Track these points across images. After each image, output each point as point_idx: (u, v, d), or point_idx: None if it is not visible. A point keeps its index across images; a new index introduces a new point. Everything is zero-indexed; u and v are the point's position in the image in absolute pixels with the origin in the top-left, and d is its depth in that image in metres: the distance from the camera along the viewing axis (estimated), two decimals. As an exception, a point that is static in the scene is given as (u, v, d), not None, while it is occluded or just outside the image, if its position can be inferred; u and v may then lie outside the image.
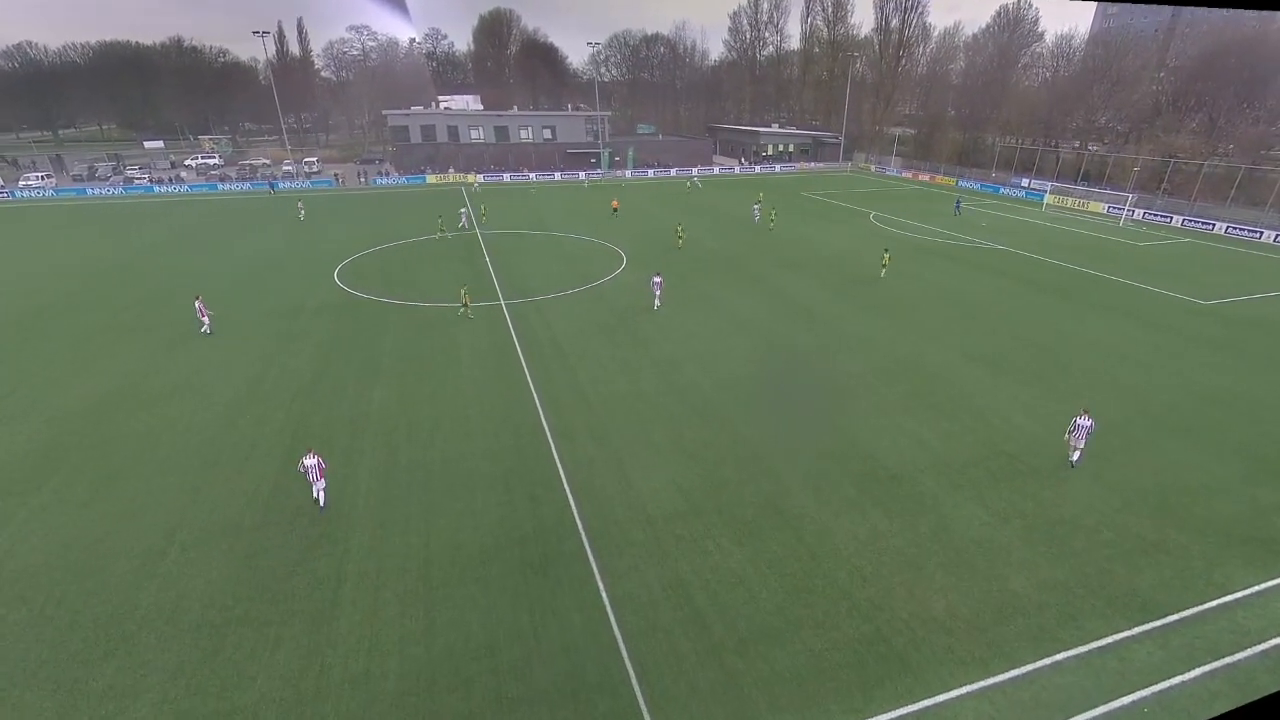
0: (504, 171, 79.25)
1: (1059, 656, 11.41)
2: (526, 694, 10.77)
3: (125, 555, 13.81)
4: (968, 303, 31.11)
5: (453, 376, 22.66)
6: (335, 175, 75.26)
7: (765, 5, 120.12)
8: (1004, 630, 11.98)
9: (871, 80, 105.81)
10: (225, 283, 33.28)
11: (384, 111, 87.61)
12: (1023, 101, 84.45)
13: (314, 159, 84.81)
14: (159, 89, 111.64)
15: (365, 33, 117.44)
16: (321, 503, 15.27)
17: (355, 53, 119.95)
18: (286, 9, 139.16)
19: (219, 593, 12.81)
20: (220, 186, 69.86)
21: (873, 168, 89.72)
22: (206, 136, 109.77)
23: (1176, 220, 51.99)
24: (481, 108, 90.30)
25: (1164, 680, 10.97)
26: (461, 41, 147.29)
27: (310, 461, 14.99)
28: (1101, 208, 56.91)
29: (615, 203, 55.75)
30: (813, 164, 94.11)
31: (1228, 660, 11.37)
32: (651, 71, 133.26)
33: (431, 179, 75.69)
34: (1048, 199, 61.26)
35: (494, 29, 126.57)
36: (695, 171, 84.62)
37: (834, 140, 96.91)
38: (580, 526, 14.79)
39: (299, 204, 54.64)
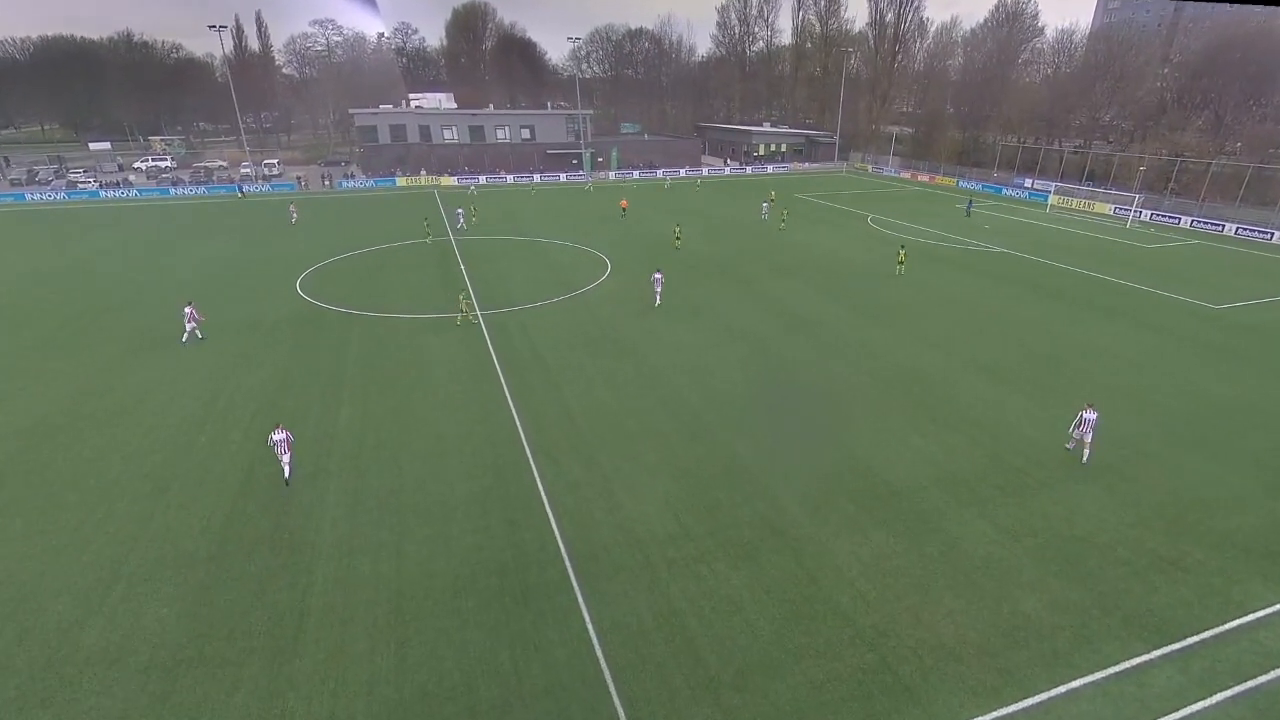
0: (478, 174, 79.29)
1: (1075, 683, 11.44)
2: (507, 736, 10.59)
3: (66, 592, 13.45)
4: (971, 308, 31.52)
5: (426, 393, 22.49)
6: (298, 178, 74.94)
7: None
8: (1016, 656, 12.01)
9: (867, 77, 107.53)
10: (178, 294, 32.78)
11: (350, 111, 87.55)
12: (1024, 99, 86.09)
13: (275, 160, 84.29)
14: (106, 87, 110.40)
15: (330, 27, 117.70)
16: (287, 474, 16.83)
17: (319, 48, 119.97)
18: (244, 2, 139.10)
19: (170, 631, 12.50)
20: (173, 191, 69.18)
21: (869, 168, 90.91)
22: (158, 137, 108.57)
23: (1185, 221, 53.24)
24: (455, 106, 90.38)
25: (1186, 706, 11.03)
26: (434, 36, 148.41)
27: (279, 436, 16.66)
28: (1108, 209, 58.10)
29: (624, 202, 57.22)
30: (807, 164, 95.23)
31: (1251, 684, 11.45)
32: (636, 68, 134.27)
33: (402, 181, 75.59)
34: (1052, 200, 62.48)
35: (468, 23, 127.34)
36: (683, 172, 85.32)
37: (829, 139, 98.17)
38: (564, 552, 14.66)
39: (290, 207, 54.99)
